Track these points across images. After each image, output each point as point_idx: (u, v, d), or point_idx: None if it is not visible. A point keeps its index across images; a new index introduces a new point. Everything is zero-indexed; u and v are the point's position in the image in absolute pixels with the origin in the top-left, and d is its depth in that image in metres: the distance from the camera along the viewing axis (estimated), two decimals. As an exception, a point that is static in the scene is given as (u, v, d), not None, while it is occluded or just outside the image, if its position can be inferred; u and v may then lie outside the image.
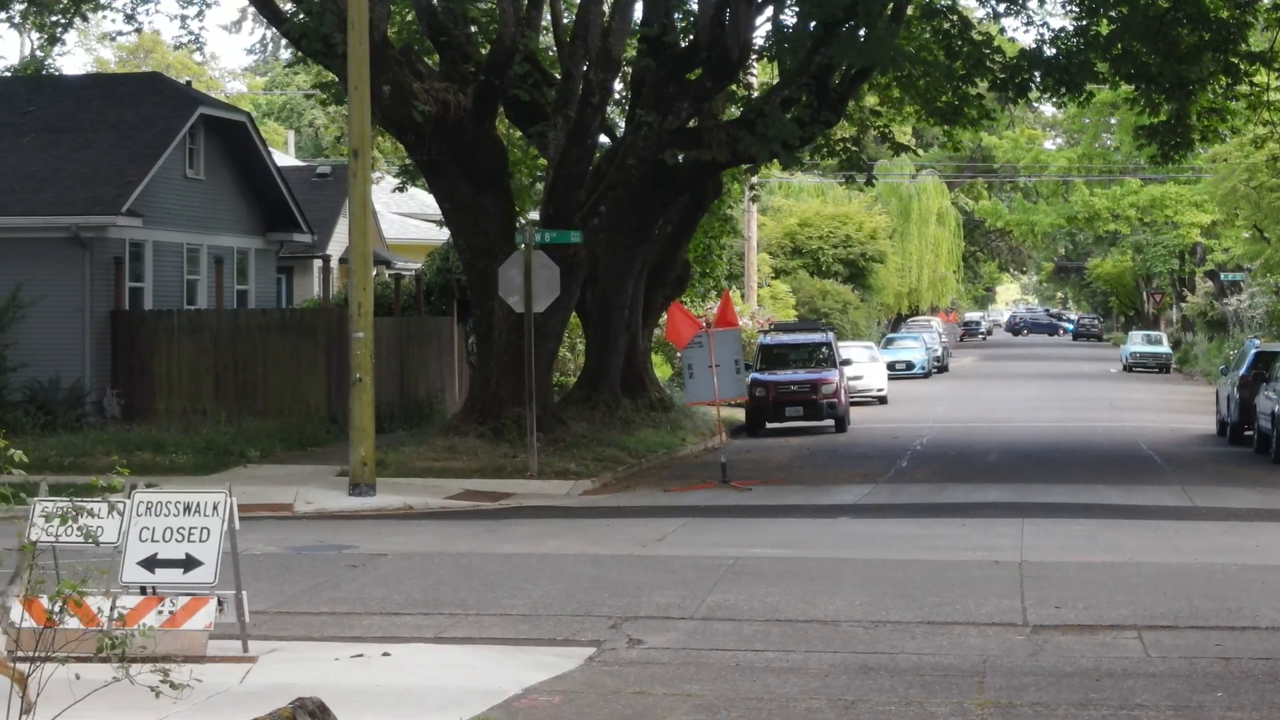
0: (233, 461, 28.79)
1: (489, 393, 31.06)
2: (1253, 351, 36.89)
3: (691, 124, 33.23)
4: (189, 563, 13.60)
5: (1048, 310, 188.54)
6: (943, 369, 76.96)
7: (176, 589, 13.50)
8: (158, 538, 13.71)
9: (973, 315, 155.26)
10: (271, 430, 31.14)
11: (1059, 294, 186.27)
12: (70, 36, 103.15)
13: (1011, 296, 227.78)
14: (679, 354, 29.43)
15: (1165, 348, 79.00)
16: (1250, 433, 35.06)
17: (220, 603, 13.59)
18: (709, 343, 28.37)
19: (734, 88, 35.49)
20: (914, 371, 69.71)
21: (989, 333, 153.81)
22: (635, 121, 31.15)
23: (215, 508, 13.81)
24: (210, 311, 34.36)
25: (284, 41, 36.54)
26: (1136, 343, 79.92)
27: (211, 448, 29.15)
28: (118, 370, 33.02)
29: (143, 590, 13.54)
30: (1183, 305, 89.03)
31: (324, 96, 36.47)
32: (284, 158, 61.84)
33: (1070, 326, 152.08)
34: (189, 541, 13.68)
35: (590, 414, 37.17)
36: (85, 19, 42.63)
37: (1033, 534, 20.67)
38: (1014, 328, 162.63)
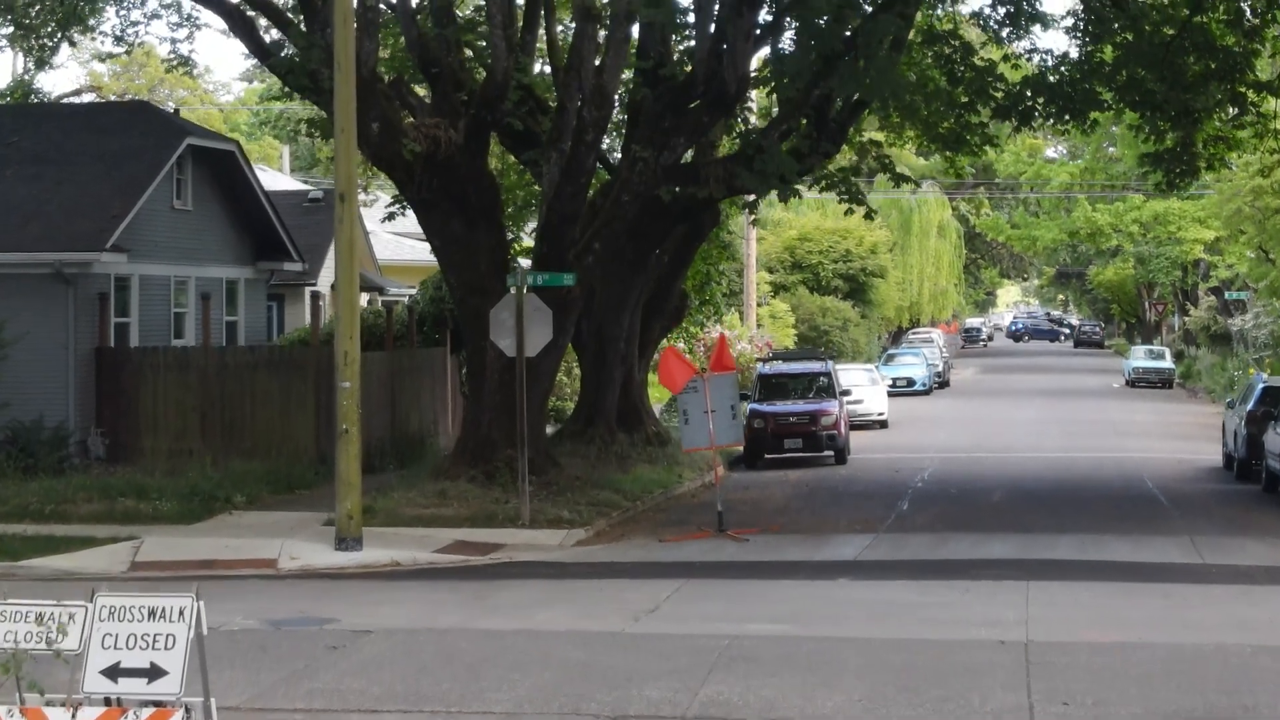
0: (218, 508, 28.13)
1: (480, 434, 30.39)
2: (1260, 386, 36.32)
3: (688, 157, 32.57)
4: (154, 672, 12.90)
5: (1048, 314, 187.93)
6: (944, 384, 76.37)
7: (141, 699, 12.82)
8: (121, 645, 12.99)
9: (973, 321, 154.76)
10: (258, 473, 30.48)
11: (1060, 296, 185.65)
12: (63, 49, 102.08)
13: (1012, 298, 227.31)
14: (675, 397, 28.73)
15: (1168, 363, 78.42)
16: (1258, 465, 34.62)
17: (188, 711, 12.93)
18: (704, 388, 27.68)
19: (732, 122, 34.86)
20: (915, 388, 69.16)
21: (990, 338, 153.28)
22: (631, 156, 30.47)
23: (182, 613, 13.10)
24: (197, 349, 33.70)
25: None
26: (1139, 357, 79.35)
27: (196, 493, 28.49)
28: (102, 408, 32.35)
29: (106, 700, 12.86)
30: (1186, 319, 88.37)
31: (314, 132, 35.81)
32: (277, 177, 61.21)
33: (1071, 332, 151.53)
34: (154, 649, 12.97)
35: (585, 449, 36.54)
36: (73, 44, 42.10)
37: (1039, 601, 19.98)
38: (1015, 334, 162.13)
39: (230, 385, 32.51)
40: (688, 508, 31.38)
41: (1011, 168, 79.48)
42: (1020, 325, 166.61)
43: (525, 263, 30.62)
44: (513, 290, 27.40)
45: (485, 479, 29.51)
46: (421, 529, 26.88)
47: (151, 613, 13.15)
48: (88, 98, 73.03)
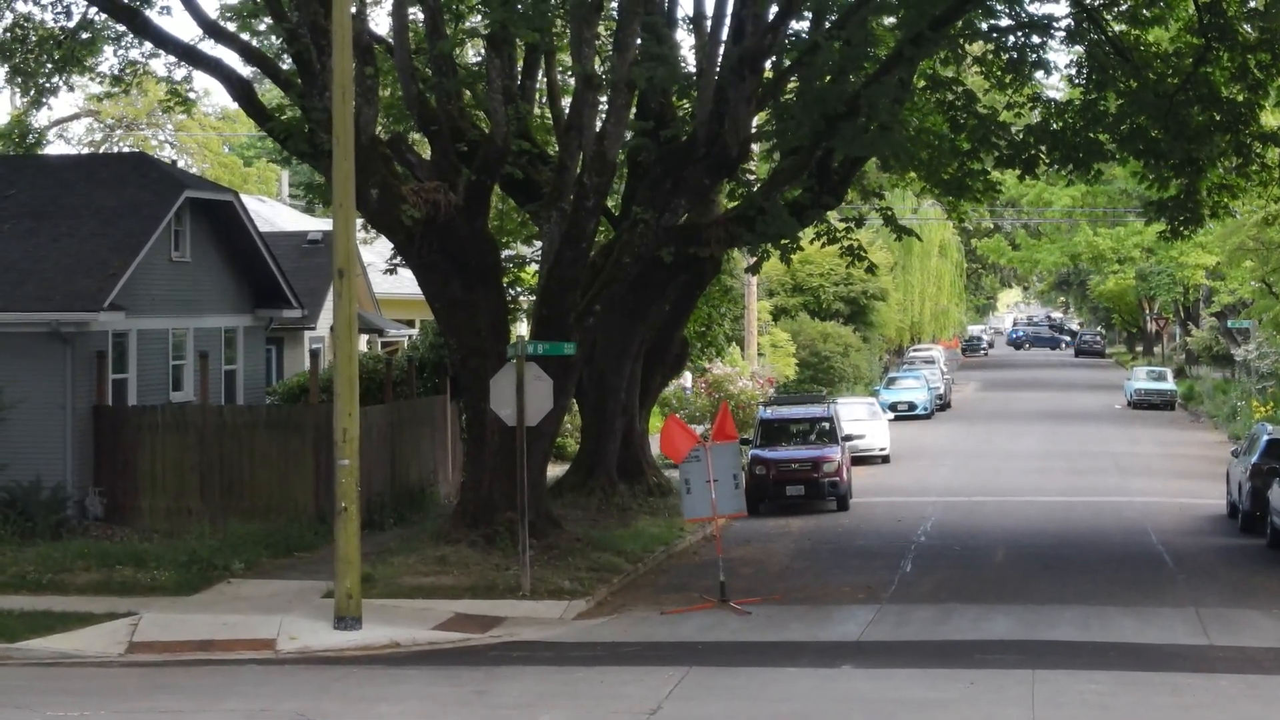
0: (216, 577, 27.91)
1: (481, 495, 30.24)
2: (1265, 438, 36.17)
3: (688, 215, 32.39)
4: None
5: (1049, 317, 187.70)
6: (945, 406, 76.23)
7: None
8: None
9: (974, 329, 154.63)
10: (257, 535, 30.28)
11: (1061, 299, 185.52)
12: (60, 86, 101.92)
13: (1013, 299, 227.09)
14: (677, 467, 28.56)
15: (1170, 384, 78.25)
16: (1261, 517, 34.56)
17: None
18: (706, 457, 27.47)
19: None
20: (917, 412, 69.16)
21: (991, 345, 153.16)
22: (632, 219, 30.29)
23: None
24: (195, 407, 33.48)
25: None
26: (1141, 379, 79.15)
27: (195, 561, 28.29)
28: (101, 468, 32.13)
29: None
30: (1188, 338, 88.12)
31: (313, 197, 35.65)
32: (276, 208, 60.93)
33: (1072, 339, 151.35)
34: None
35: (586, 500, 36.45)
36: (71, 89, 41.92)
37: (1045, 700, 19.73)
38: (1015, 342, 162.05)
39: (229, 444, 32.29)
40: (689, 568, 31.16)
41: (1013, 190, 79.34)
42: (1021, 333, 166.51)
43: (524, 330, 30.44)
44: (513, 360, 27.20)
45: (485, 543, 29.37)
46: (421, 600, 26.69)
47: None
48: (85, 123, 72.93)
